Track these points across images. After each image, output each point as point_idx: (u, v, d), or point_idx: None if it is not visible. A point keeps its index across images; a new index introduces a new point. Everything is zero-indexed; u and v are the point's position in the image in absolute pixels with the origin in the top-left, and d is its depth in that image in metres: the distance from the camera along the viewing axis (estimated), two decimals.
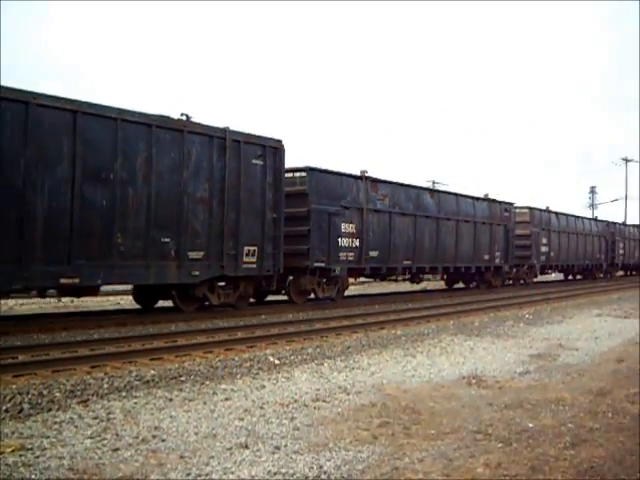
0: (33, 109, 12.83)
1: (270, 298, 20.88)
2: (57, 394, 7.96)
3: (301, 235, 19.25)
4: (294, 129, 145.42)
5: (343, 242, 20.53)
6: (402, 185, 23.74)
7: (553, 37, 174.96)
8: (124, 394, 8.14)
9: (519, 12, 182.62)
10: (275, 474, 5.39)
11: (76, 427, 6.61)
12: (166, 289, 16.43)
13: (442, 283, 32.62)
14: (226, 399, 8.01)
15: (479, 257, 28.54)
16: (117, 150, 14.16)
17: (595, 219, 46.03)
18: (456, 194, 27.48)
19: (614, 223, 47.69)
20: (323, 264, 19.86)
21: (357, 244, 21.10)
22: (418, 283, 27.84)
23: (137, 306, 17.79)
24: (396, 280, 26.87)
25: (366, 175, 21.77)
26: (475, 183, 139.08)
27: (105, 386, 8.47)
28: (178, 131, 15.45)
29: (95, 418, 6.96)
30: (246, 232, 17.08)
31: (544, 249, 35.22)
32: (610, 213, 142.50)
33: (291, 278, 19.86)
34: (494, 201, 30.06)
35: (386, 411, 7.52)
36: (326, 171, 20.35)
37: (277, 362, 10.58)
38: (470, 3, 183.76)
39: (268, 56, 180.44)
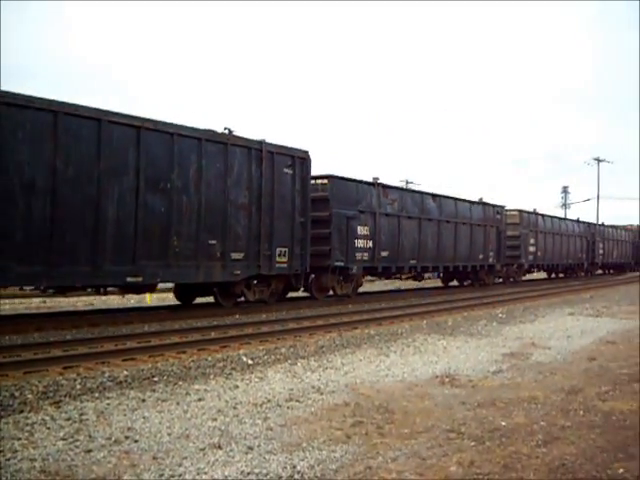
0: (105, 125, 14.40)
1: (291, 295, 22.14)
2: (29, 395, 7.90)
3: (323, 237, 20.96)
4: (295, 128, 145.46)
5: (359, 243, 22.47)
6: (408, 191, 26.74)
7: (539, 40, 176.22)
8: (97, 395, 8.10)
9: (501, 14, 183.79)
10: (248, 474, 5.39)
11: (48, 429, 6.56)
12: (208, 286, 18.21)
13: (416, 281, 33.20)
14: (199, 399, 7.99)
15: (474, 256, 30.56)
16: (174, 162, 15.92)
17: (577, 220, 47.57)
18: (455, 198, 29.25)
19: (595, 224, 50.80)
20: (342, 263, 21.73)
21: (370, 245, 23.08)
22: (420, 281, 30.79)
23: (111, 306, 17.74)
24: (401, 278, 29.67)
25: (378, 182, 23.80)
26: (454, 184, 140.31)
27: (78, 387, 8.42)
28: (223, 144, 17.21)
29: (67, 419, 6.92)
30: (279, 235, 18.94)
31: (532, 249, 37.21)
32: (583, 212, 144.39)
33: (313, 276, 21.66)
34: (487, 204, 32.29)
35: (359, 410, 7.54)
36: (344, 178, 22.16)
37: (250, 362, 10.57)
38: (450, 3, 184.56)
39: (262, 57, 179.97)
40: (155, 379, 9.13)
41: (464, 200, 29.99)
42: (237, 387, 8.76)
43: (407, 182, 67.27)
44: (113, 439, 6.24)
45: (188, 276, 16.53)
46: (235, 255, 17.49)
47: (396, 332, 14.63)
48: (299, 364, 10.55)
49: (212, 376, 9.47)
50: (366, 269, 23.54)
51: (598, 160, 76.27)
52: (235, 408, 7.58)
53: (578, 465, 5.74)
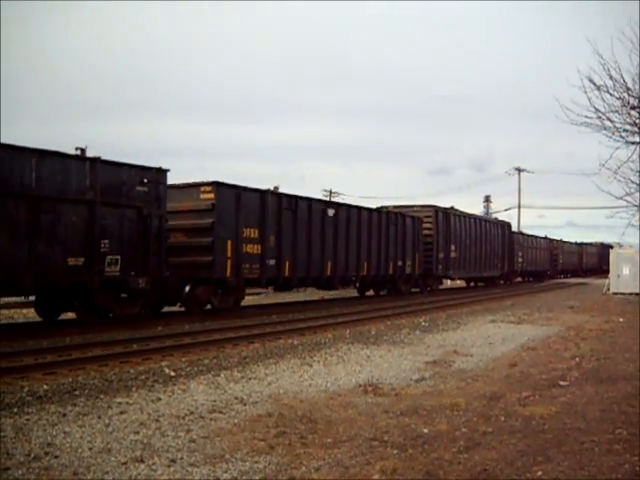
0: (472, 221, 39.93)
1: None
2: None
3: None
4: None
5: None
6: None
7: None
8: (15, 410, 7.93)
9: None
10: None
11: None
12: (483, 279, 44.45)
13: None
14: (121, 413, 7.91)
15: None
16: (482, 233, 39.85)
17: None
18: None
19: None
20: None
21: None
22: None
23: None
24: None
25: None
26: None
27: None
28: (489, 222, 42.58)
29: None
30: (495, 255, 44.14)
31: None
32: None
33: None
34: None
35: (283, 421, 7.55)
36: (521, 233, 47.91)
37: (173, 374, 10.50)
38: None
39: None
40: (76, 393, 9.00)
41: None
42: (160, 399, 8.69)
43: (331, 192, 67.45)
44: (32, 455, 6.13)
45: (491, 273, 42.10)
46: (497, 264, 42.61)
47: (319, 342, 14.69)
48: (222, 375, 10.51)
49: (134, 389, 9.38)
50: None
51: (519, 170, 78.01)
52: (157, 421, 7.52)
53: (499, 469, 5.85)
